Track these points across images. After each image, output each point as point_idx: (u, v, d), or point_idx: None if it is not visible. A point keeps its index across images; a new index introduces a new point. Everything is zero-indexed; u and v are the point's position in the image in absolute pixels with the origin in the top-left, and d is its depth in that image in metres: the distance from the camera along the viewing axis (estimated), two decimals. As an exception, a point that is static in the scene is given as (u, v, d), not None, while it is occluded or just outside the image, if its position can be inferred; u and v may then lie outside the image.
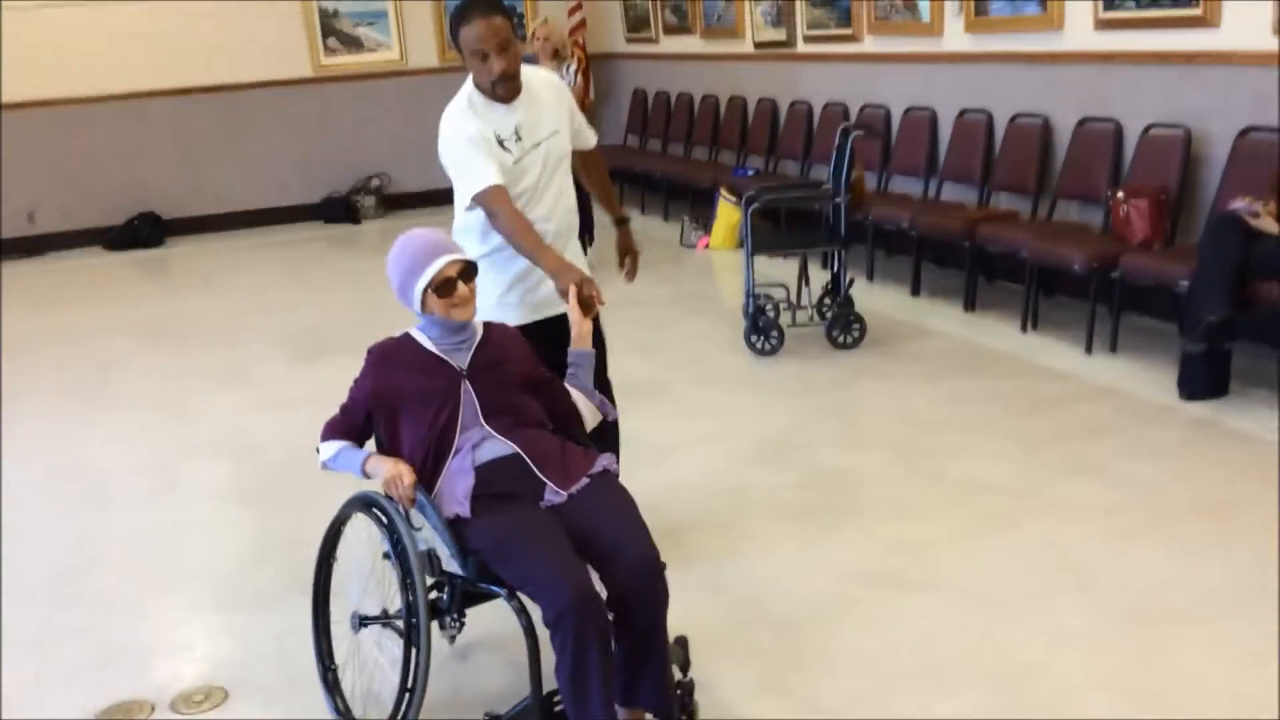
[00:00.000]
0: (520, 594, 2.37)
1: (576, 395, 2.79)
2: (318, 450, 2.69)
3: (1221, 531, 3.33)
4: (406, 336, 2.70)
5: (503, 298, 3.24)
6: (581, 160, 3.46)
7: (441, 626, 2.63)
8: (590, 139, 3.45)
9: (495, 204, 3.03)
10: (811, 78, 7.80)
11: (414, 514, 2.55)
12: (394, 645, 2.68)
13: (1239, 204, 4.30)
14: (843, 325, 5.32)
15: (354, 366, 2.74)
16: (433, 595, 2.63)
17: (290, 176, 9.99)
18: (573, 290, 2.81)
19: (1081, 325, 5.07)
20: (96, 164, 9.37)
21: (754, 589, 3.25)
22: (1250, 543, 3.24)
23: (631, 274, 3.53)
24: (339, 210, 9.96)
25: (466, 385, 2.59)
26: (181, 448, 4.77)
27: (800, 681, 2.76)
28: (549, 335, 3.08)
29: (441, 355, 2.62)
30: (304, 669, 2.87)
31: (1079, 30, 5.52)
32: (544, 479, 2.48)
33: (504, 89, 3.07)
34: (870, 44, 7.11)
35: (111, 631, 3.29)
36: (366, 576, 2.89)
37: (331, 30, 9.92)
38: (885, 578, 3.24)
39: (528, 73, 3.17)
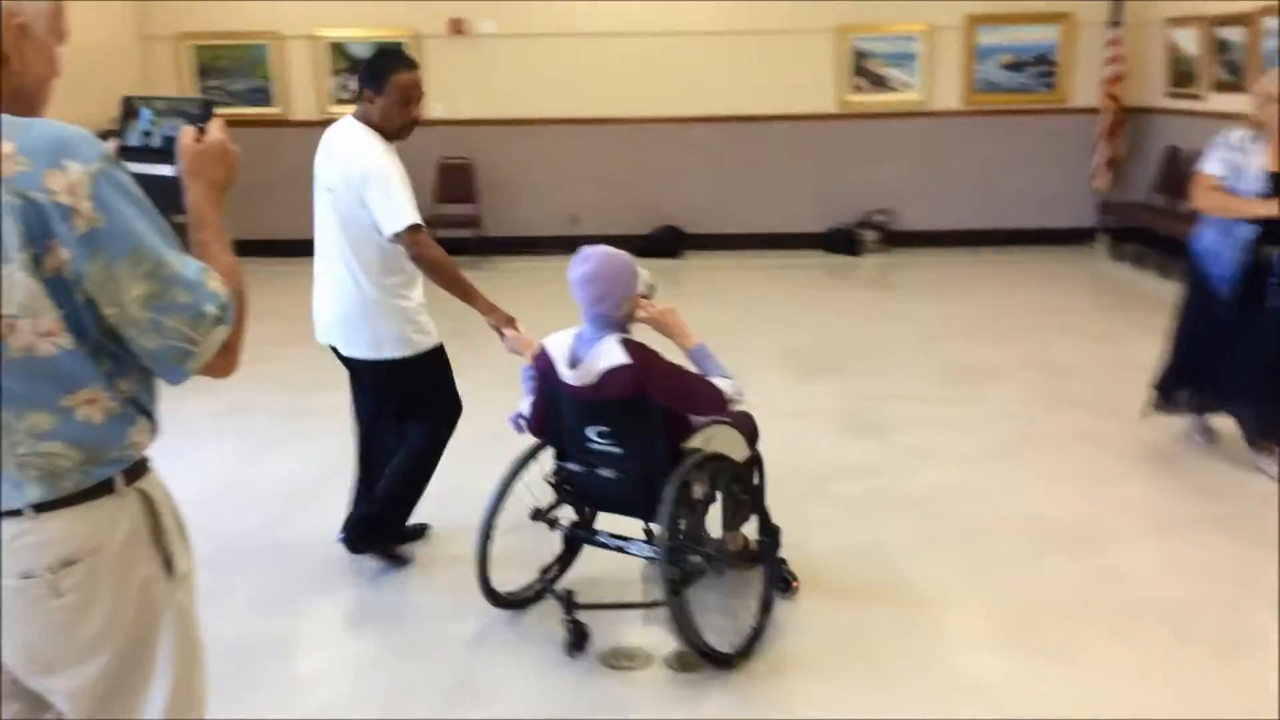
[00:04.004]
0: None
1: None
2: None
3: None
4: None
5: (421, 322, 3.64)
6: None
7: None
8: None
9: (425, 238, 3.47)
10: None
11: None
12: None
13: None
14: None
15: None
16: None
17: (801, 205, 10.45)
18: (510, 330, 3.46)
19: None
20: (634, 178, 10.39)
21: None
22: None
23: None
24: (841, 242, 10.27)
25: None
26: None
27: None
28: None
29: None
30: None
31: None
32: None
33: (407, 132, 3.59)
34: None
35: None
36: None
37: (861, 69, 10.25)
38: None
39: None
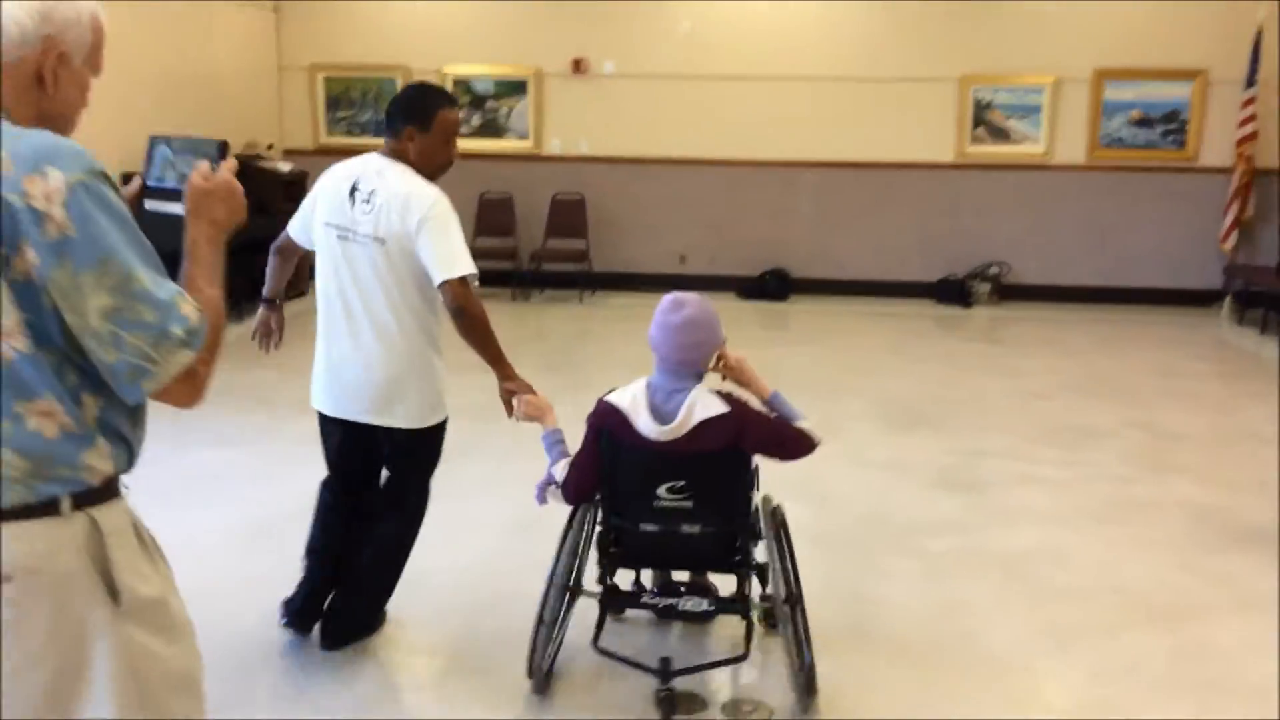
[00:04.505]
0: None
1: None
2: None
3: None
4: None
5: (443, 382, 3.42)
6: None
7: None
8: None
9: (471, 290, 3.18)
10: None
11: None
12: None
13: None
14: None
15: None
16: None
17: (913, 254, 10.34)
18: (519, 401, 3.19)
19: None
20: (744, 220, 10.42)
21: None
22: None
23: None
24: (952, 292, 10.12)
25: None
26: (765, 485, 5.15)
27: None
28: None
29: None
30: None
31: None
32: None
33: (443, 172, 3.33)
34: None
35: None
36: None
37: (981, 120, 10.13)
38: None
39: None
